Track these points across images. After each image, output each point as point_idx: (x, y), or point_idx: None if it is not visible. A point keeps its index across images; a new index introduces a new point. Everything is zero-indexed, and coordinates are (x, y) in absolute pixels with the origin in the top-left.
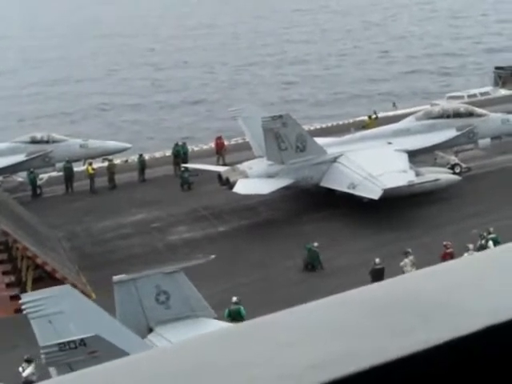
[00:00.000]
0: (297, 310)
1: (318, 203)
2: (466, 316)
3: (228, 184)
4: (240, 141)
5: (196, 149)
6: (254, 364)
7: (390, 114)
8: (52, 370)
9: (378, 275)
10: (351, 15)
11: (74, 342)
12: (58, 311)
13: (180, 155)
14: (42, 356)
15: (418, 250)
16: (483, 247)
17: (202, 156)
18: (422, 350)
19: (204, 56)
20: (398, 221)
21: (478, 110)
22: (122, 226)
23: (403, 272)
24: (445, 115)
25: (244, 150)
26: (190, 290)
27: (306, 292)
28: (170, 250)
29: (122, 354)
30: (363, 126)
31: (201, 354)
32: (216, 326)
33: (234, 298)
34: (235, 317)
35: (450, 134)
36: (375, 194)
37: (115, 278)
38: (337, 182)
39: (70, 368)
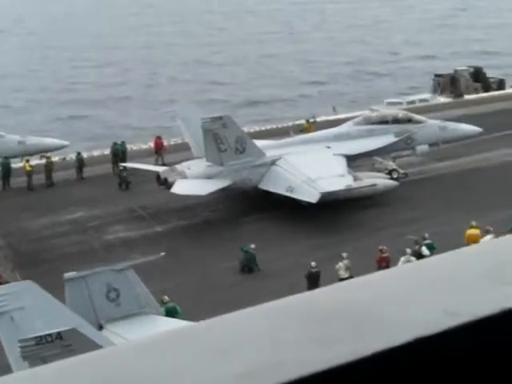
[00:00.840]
0: (230, 317)
1: (256, 205)
2: (394, 327)
3: (166, 184)
4: (179, 141)
5: (135, 148)
6: (183, 373)
7: (330, 118)
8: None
9: (313, 279)
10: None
11: (50, 335)
12: (19, 307)
13: (118, 154)
14: (18, 350)
15: (353, 254)
16: (418, 253)
17: (140, 155)
18: (349, 361)
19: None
20: (335, 225)
21: (417, 117)
22: (59, 224)
23: (338, 275)
24: (383, 121)
25: (183, 151)
26: (140, 287)
27: (242, 294)
28: (106, 249)
29: (96, 347)
30: (301, 130)
31: (127, 364)
32: (165, 322)
33: (166, 297)
34: (172, 315)
35: (388, 139)
36: (313, 198)
37: (66, 275)
38: (275, 185)
39: (44, 362)
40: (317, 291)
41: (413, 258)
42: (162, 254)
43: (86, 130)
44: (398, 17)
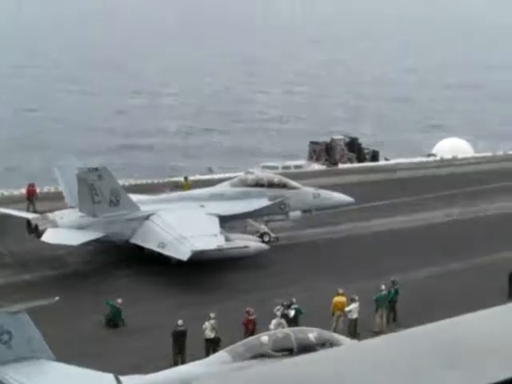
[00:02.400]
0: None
1: (127, 259)
2: None
3: (37, 232)
4: (52, 189)
5: (6, 193)
6: None
7: (205, 177)
8: None
9: (179, 337)
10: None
11: None
12: None
13: None
14: None
15: (221, 315)
16: (285, 315)
17: (11, 201)
18: None
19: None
20: (204, 284)
21: (292, 183)
22: None
23: (204, 335)
24: (259, 184)
25: (56, 200)
26: (33, 331)
27: (107, 348)
28: None
29: None
30: (177, 186)
31: None
32: (56, 368)
33: None
34: None
35: (263, 202)
36: (184, 255)
37: None
38: (147, 240)
39: None
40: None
41: (283, 321)
42: (56, 298)
43: None
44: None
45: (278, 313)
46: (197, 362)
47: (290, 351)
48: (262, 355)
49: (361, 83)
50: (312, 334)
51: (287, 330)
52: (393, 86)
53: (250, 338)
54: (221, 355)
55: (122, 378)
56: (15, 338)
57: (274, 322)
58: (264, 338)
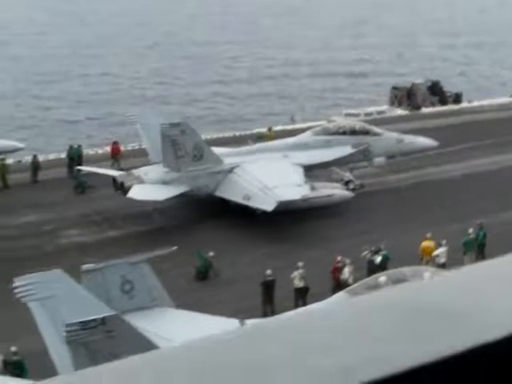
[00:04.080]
0: (317, 311)
1: (212, 212)
2: (487, 323)
3: (122, 189)
4: (136, 147)
5: (91, 152)
6: (280, 364)
7: (288, 127)
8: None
9: (268, 287)
10: None
11: (95, 320)
12: (50, 295)
13: (74, 158)
14: (64, 334)
15: (308, 264)
16: (371, 261)
17: (96, 160)
18: (444, 357)
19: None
20: (290, 233)
21: (374, 129)
22: (12, 227)
23: (293, 284)
24: (341, 132)
25: (140, 156)
26: (153, 280)
27: (198, 300)
28: (58, 253)
29: (137, 334)
30: (259, 137)
31: (219, 354)
32: (179, 315)
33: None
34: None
35: (346, 150)
36: (269, 206)
37: (84, 266)
38: (232, 193)
39: (86, 347)
40: (399, 288)
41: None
42: (175, 247)
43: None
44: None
45: (366, 256)
46: (318, 303)
47: None
48: None
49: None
50: (427, 274)
51: (404, 269)
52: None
53: (369, 279)
54: (340, 295)
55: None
56: (137, 287)
57: (346, 269)
58: (382, 278)
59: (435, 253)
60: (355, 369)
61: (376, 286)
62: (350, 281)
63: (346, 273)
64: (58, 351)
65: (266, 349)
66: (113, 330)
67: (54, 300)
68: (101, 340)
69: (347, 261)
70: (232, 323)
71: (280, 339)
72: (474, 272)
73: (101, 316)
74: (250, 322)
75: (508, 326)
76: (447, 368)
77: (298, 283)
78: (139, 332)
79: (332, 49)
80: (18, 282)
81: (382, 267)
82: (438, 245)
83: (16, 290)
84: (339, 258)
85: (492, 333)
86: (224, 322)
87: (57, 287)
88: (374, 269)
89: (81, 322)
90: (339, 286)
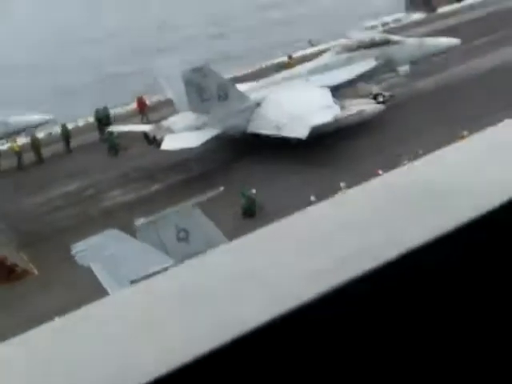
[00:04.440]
0: (312, 209)
1: (247, 150)
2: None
3: (155, 142)
4: (161, 99)
5: (120, 111)
6: (285, 263)
7: (308, 51)
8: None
9: None
10: None
11: (158, 272)
12: (110, 254)
13: (102, 119)
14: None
15: (351, 182)
16: None
17: (124, 118)
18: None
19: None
20: (328, 156)
21: (394, 38)
22: (54, 199)
23: None
24: (362, 46)
25: (166, 107)
26: (207, 224)
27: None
28: (106, 216)
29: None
30: (282, 66)
31: (217, 266)
32: None
33: None
34: None
35: (369, 64)
36: (302, 133)
37: (137, 222)
38: (263, 126)
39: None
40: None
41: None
42: (221, 188)
43: None
44: None
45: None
46: None
47: None
48: None
49: None
50: None
51: None
52: None
53: None
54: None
55: None
56: (192, 233)
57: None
58: None
59: None
60: (359, 254)
61: None
62: None
63: None
64: None
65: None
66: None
67: (115, 258)
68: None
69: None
70: None
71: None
72: (464, 148)
73: (164, 266)
74: None
75: (504, 195)
76: (450, 242)
77: None
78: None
79: None
80: (76, 247)
81: None
82: None
83: (76, 256)
84: (381, 172)
85: (488, 204)
86: None
87: (115, 246)
88: None
89: (145, 277)
90: None
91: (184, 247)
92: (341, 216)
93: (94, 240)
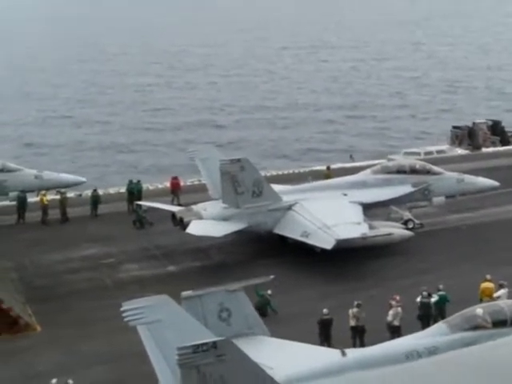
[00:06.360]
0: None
1: (270, 249)
2: None
3: (181, 224)
4: (196, 182)
5: (151, 187)
6: None
7: (347, 165)
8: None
9: (325, 326)
10: None
11: (206, 344)
12: (156, 320)
13: (134, 192)
14: (176, 357)
15: (366, 302)
16: (425, 304)
17: (156, 195)
18: None
19: None
20: (349, 272)
21: (435, 168)
22: (72, 260)
23: (349, 323)
24: (401, 170)
25: (199, 192)
26: (249, 308)
27: None
28: (117, 287)
29: (247, 359)
30: (320, 175)
31: None
32: (276, 343)
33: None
34: None
35: (406, 189)
36: (328, 244)
37: (183, 293)
38: (290, 230)
39: (198, 371)
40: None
41: (400, 310)
42: (272, 277)
43: None
44: None
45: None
46: (415, 335)
47: (504, 323)
48: (477, 327)
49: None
50: None
51: (501, 302)
52: None
53: (466, 310)
54: (439, 326)
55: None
56: (234, 315)
57: (390, 312)
58: (479, 310)
59: (496, 294)
60: None
61: (473, 318)
62: (396, 323)
63: (390, 316)
64: (166, 375)
65: None
66: (224, 353)
67: (161, 324)
68: (212, 364)
69: (393, 303)
70: (332, 353)
71: None
72: None
73: (212, 340)
74: (349, 351)
75: None
76: None
77: (352, 322)
78: (249, 357)
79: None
80: (126, 305)
81: (440, 308)
82: (499, 286)
83: (124, 314)
84: (398, 298)
85: None
86: (323, 351)
87: (163, 312)
88: (426, 311)
89: (193, 346)
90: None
91: (224, 327)
92: None
93: (144, 302)
